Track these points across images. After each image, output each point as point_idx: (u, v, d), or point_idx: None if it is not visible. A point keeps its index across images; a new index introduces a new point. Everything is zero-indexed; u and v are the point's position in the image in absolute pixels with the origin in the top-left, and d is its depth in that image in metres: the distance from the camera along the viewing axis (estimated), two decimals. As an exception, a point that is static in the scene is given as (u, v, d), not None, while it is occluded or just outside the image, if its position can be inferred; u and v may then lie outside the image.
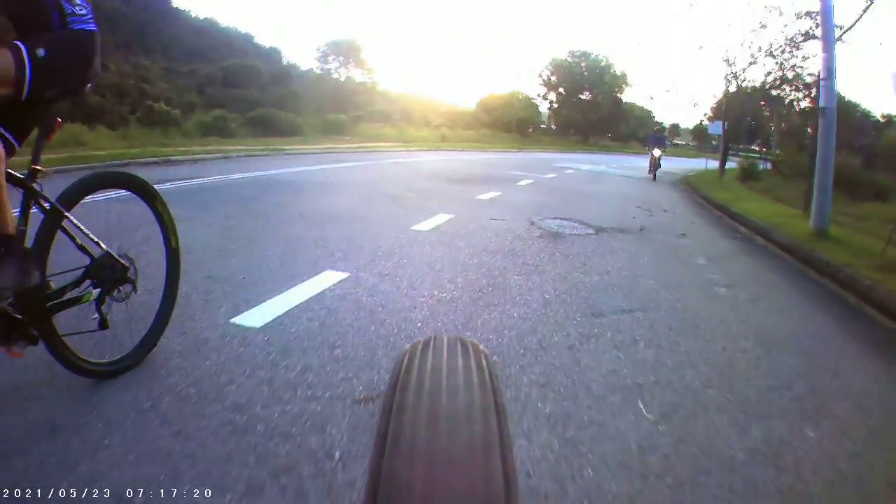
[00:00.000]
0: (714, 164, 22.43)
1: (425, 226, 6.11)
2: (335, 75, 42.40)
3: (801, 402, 2.60)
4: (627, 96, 54.85)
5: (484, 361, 0.59)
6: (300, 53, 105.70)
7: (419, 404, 0.51)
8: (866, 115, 51.72)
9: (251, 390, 2.23)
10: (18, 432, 1.84)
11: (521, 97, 50.46)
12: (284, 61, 49.43)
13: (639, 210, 9.09)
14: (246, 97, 32.43)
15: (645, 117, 57.92)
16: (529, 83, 76.29)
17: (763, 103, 24.16)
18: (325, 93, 36.49)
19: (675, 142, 64.27)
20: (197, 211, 5.93)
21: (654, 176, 17.72)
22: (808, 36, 17.46)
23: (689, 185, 15.84)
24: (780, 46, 18.12)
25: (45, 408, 2.00)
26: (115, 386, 2.18)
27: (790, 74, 19.50)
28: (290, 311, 3.16)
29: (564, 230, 6.61)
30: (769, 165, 20.45)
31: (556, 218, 7.44)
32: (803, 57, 18.57)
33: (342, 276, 3.90)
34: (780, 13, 18.85)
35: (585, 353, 2.93)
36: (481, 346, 0.62)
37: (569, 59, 51.52)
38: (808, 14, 17.01)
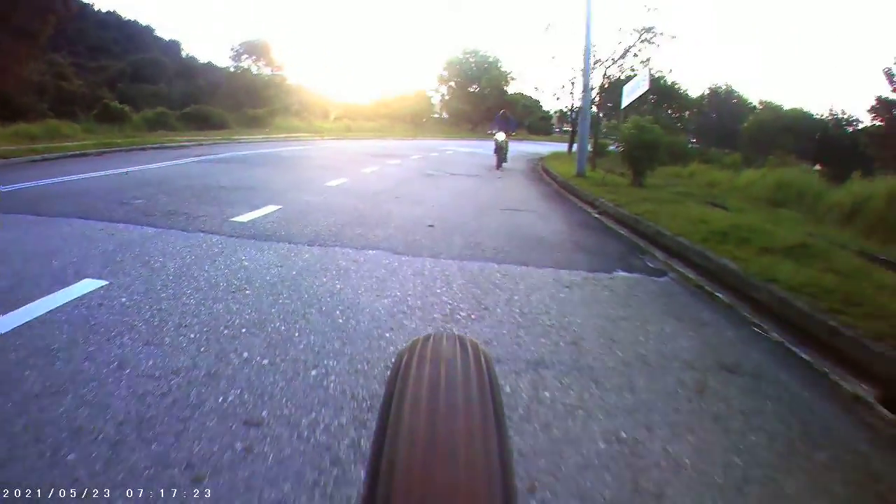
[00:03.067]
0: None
1: (367, 171, 13.03)
2: (237, 71, 47.63)
3: (509, 210, 9.68)
4: (514, 87, 63.43)
5: (482, 359, 0.63)
6: (200, 45, 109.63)
7: (418, 400, 0.55)
8: (743, 102, 63.02)
9: (349, 195, 9.11)
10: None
11: (416, 93, 58.27)
12: (184, 54, 54.62)
13: (484, 169, 16.27)
14: (156, 92, 37.42)
15: (532, 106, 66.47)
16: (426, 80, 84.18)
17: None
18: (239, 88, 42.13)
19: (565, 128, 73.47)
20: (248, 165, 12.61)
21: (499, 165, 16.73)
22: (642, 39, 25.61)
23: (539, 159, 23.21)
24: (619, 53, 25.95)
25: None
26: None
27: (625, 75, 27.35)
28: (338, 185, 9.99)
29: (435, 174, 13.68)
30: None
31: (431, 170, 14.54)
32: (641, 61, 26.70)
33: (345, 179, 10.76)
34: (619, 30, 26.20)
35: (429, 193, 9.93)
36: (480, 345, 0.66)
37: (460, 56, 59.55)
38: (645, 29, 25.21)
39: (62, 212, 5.96)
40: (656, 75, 32.85)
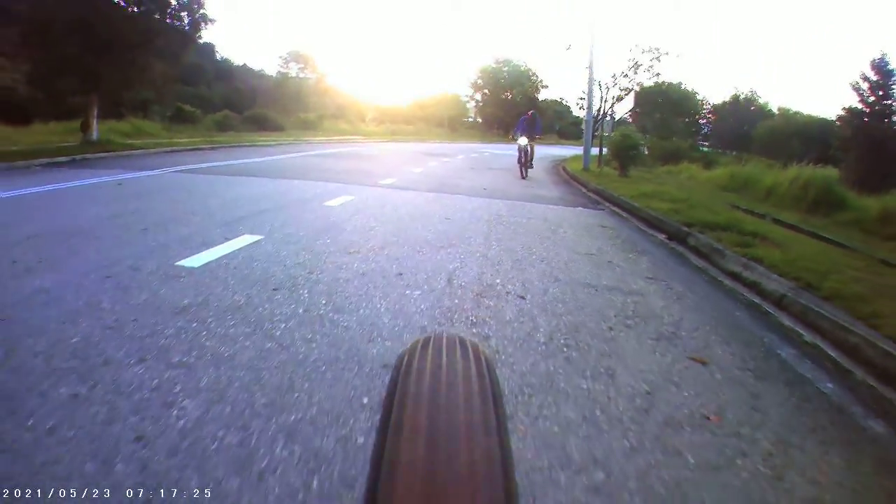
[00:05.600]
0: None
1: (431, 164, 18.86)
2: (280, 77, 53.75)
3: (529, 187, 15.31)
4: (545, 94, 69.28)
5: (483, 359, 0.66)
6: (232, 48, 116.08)
7: (419, 396, 0.59)
8: (762, 108, 68.12)
9: (430, 177, 14.88)
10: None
11: (450, 97, 64.40)
12: (218, 56, 60.58)
13: (514, 166, 21.90)
14: (196, 94, 42.47)
15: (563, 112, 72.26)
16: (458, 85, 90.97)
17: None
18: (287, 93, 48.19)
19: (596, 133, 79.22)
20: (343, 159, 18.47)
21: (525, 174, 16.46)
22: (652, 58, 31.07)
23: (562, 160, 28.68)
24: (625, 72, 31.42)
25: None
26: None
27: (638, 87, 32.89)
28: (419, 171, 15.80)
29: (478, 168, 19.43)
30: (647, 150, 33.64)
31: (475, 165, 20.28)
32: (652, 75, 32.19)
33: (421, 169, 16.60)
34: (631, 49, 31.65)
35: (478, 177, 15.64)
36: (480, 345, 0.69)
37: (493, 65, 65.60)
38: (651, 49, 30.68)
39: (287, 176, 11.76)
40: (668, 85, 38.75)
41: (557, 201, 11.59)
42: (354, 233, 6.52)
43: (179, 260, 4.77)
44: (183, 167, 12.81)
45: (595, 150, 22.02)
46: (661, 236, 8.37)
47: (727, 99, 69.03)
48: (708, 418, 2.81)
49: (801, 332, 4.38)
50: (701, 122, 70.35)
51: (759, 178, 18.62)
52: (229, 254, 5.13)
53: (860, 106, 34.83)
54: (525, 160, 16.41)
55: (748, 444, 2.60)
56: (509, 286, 4.75)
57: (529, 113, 17.67)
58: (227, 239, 5.67)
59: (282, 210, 7.77)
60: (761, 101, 68.77)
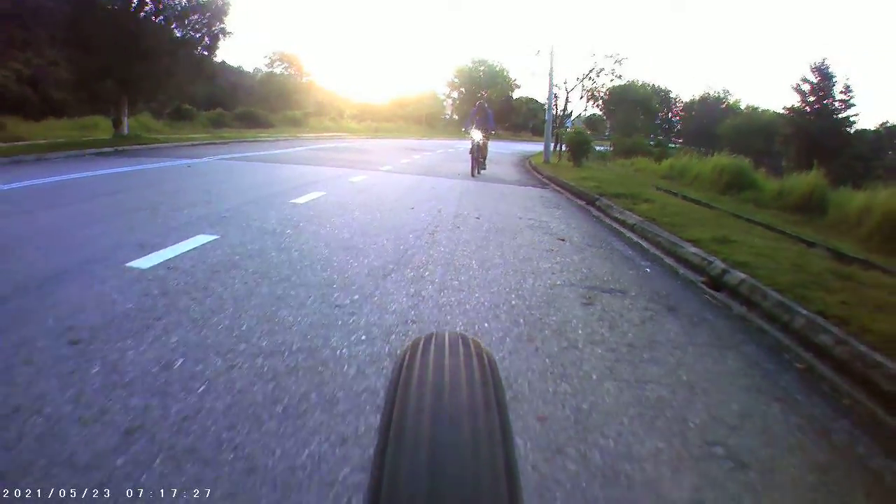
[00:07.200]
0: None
1: (416, 157, 22.81)
2: (259, 75, 57.30)
3: (497, 174, 19.35)
4: (519, 93, 73.66)
5: (485, 357, 0.66)
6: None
7: (421, 400, 0.58)
8: (732, 106, 72.69)
9: (417, 166, 18.89)
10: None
11: (428, 95, 68.56)
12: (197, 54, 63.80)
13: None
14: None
15: (536, 109, 76.40)
16: (436, 83, 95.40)
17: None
18: (271, 91, 51.65)
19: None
20: (342, 151, 22.43)
21: (477, 171, 16.10)
22: (614, 62, 35.24)
23: (531, 156, 32.68)
24: (587, 75, 35.58)
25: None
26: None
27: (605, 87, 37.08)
28: (407, 162, 19.76)
29: (455, 159, 23.41)
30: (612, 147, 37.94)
31: (453, 158, 24.23)
32: (614, 77, 36.40)
33: (408, 160, 20.63)
34: (593, 54, 35.96)
35: (456, 166, 19.64)
36: (482, 343, 0.69)
37: (469, 65, 69.92)
38: (613, 54, 34.82)
39: (309, 163, 15.66)
40: (631, 84, 43.29)
41: (514, 183, 15.62)
42: (378, 193, 10.54)
43: (290, 200, 8.75)
44: (222, 156, 16.48)
45: (560, 146, 26.22)
46: (581, 202, 12.44)
47: (696, 97, 73.68)
48: (551, 250, 6.84)
49: (634, 238, 8.42)
50: (674, 119, 75.24)
51: (691, 167, 22.74)
52: (314, 199, 9.08)
53: (801, 105, 39.52)
54: (477, 156, 16.07)
55: (568, 257, 6.59)
56: (472, 214, 8.79)
57: (478, 104, 17.21)
58: (306, 193, 9.59)
59: (324, 182, 11.68)
60: (731, 99, 73.32)
